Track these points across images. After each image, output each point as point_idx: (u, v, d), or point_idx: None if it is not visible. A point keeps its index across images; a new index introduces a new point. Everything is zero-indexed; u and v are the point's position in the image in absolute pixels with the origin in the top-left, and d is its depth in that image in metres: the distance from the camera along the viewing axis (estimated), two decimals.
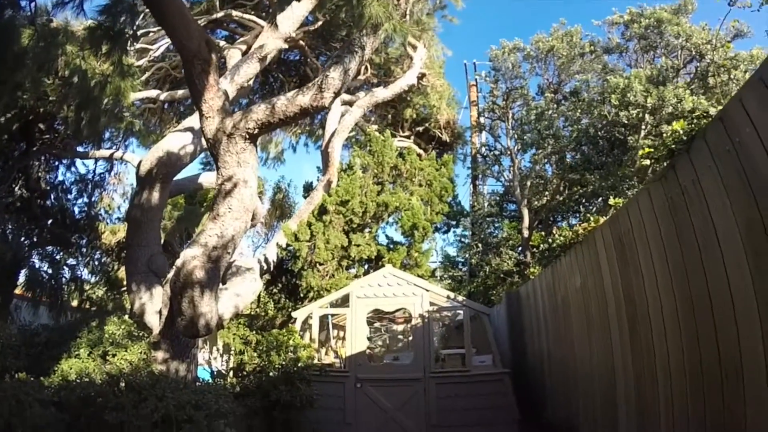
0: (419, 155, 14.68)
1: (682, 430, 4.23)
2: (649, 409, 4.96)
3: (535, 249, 16.44)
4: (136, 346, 8.57)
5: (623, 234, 5.53)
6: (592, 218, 7.76)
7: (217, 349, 14.21)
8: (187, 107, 15.27)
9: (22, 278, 13.35)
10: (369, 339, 11.65)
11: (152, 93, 13.56)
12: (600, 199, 15.18)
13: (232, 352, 12.82)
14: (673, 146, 4.38)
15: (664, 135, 7.08)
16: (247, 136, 6.69)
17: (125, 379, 6.78)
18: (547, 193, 18.16)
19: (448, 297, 10.68)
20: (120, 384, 6.71)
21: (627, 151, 14.77)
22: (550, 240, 9.00)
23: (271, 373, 9.57)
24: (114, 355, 8.22)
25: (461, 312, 10.90)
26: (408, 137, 18.11)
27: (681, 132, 4.29)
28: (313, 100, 6.66)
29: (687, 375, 4.15)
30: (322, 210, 12.88)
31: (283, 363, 9.63)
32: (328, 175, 13.89)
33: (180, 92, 13.77)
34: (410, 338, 13.20)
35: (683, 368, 4.21)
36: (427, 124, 18.34)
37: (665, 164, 4.63)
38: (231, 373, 11.82)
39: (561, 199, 17.61)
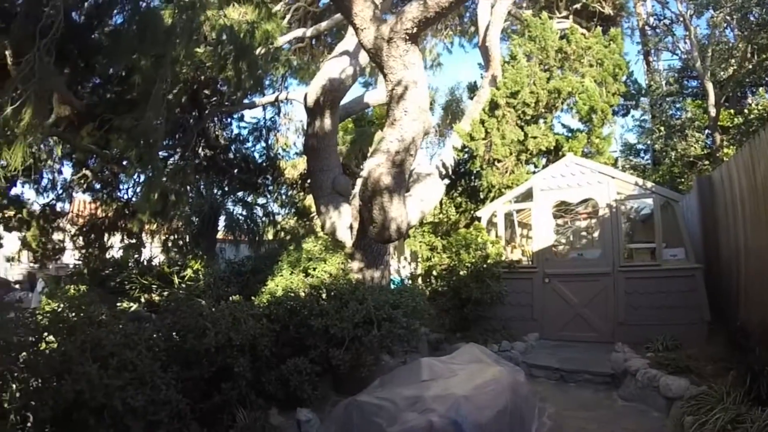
0: (583, 34, 13.60)
1: None
2: None
3: (725, 128, 14.83)
4: (334, 257, 9.21)
5: None
6: None
7: (405, 258, 14.86)
8: (333, 37, 15.51)
9: (221, 224, 14.81)
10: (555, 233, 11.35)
11: (298, 32, 13.89)
12: None
13: (419, 259, 13.36)
14: None
15: None
16: (407, 37, 6.61)
17: (326, 288, 7.37)
18: (732, 61, 15.41)
19: (635, 184, 9.81)
20: (322, 293, 7.33)
21: None
22: (745, 112, 7.89)
23: (461, 272, 9.82)
24: (314, 269, 8.91)
25: (648, 202, 10.19)
26: (566, 17, 16.79)
27: None
28: None
29: None
30: (493, 105, 12.43)
31: (473, 261, 9.82)
32: (492, 69, 13.43)
33: (324, 24, 13.98)
34: (595, 234, 12.80)
35: None
36: (584, 0, 16.83)
37: None
38: (419, 280, 12.39)
39: (750, 67, 14.87)
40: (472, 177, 13.41)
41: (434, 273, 11.11)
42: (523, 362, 8.08)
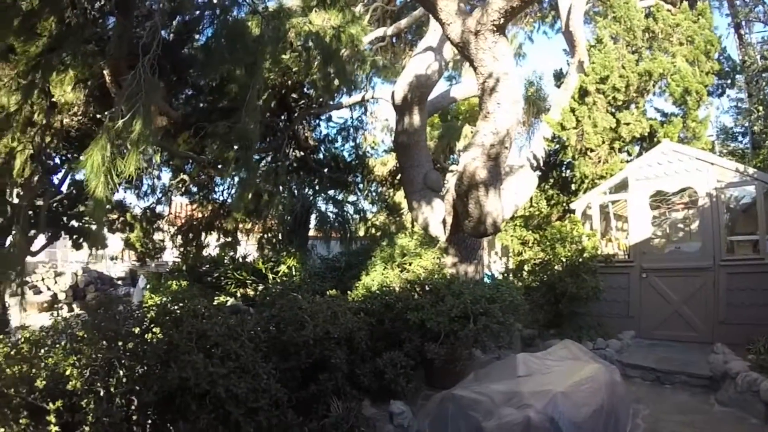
0: (669, 11, 12.89)
1: None
2: None
3: None
4: (428, 252, 9.22)
5: None
6: None
7: (496, 253, 14.67)
8: (413, 34, 15.56)
9: (313, 221, 15.12)
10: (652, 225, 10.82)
11: (379, 32, 13.99)
12: None
13: (510, 254, 13.13)
14: None
15: None
16: (494, 29, 6.46)
17: (422, 283, 7.38)
18: None
19: (737, 170, 9.15)
20: (417, 288, 7.34)
21: None
22: None
23: (556, 267, 9.57)
24: (410, 264, 8.95)
25: (749, 190, 9.48)
26: None
27: None
28: None
29: None
30: (582, 92, 11.97)
31: (569, 255, 9.54)
32: (577, 55, 12.92)
33: (403, 22, 13.98)
34: (693, 225, 12.08)
35: None
36: None
37: None
38: (510, 275, 12.17)
39: None
40: (564, 168, 13.01)
41: (526, 268, 10.89)
42: (617, 361, 7.73)
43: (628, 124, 11.41)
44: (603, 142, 11.51)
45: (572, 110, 12.01)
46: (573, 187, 12.04)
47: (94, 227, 12.60)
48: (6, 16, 6.11)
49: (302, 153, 15.61)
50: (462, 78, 14.68)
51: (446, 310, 6.41)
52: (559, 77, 14.89)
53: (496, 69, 6.59)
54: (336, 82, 12.08)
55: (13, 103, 7.93)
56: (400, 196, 17.38)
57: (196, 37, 10.12)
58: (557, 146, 12.79)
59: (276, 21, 9.20)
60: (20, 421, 4.03)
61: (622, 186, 10.20)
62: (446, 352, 6.34)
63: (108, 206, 11.63)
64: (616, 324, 9.37)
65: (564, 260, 9.52)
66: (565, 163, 12.76)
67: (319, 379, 5.44)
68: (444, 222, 9.02)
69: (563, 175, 12.92)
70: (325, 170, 15.59)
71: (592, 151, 11.65)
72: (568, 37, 13.50)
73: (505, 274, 11.13)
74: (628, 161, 11.43)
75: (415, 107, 9.93)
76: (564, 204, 12.29)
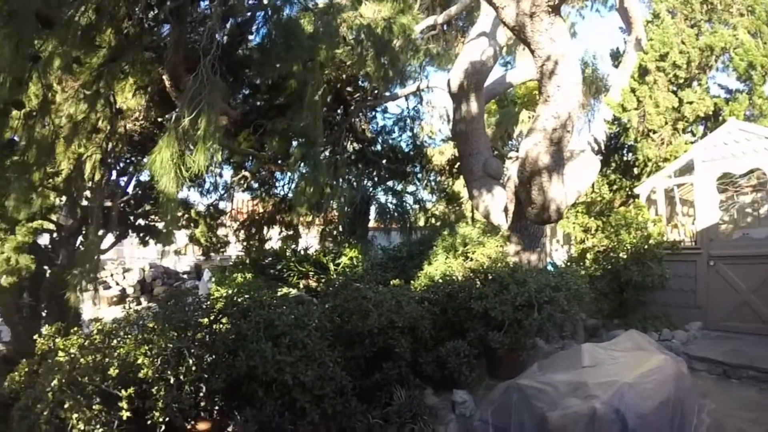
0: None
1: None
2: None
3: None
4: (491, 241, 9.14)
5: None
6: None
7: (557, 241, 14.42)
8: (465, 20, 15.36)
9: (372, 213, 15.24)
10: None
11: (429, 20, 13.89)
12: None
13: (572, 242, 12.87)
14: None
15: None
16: (549, 9, 6.31)
17: (485, 272, 7.32)
18: None
19: None
20: (480, 276, 7.28)
21: None
22: None
23: (620, 254, 9.30)
24: (473, 252, 8.90)
25: None
26: None
27: None
28: None
29: None
30: (642, 71, 11.53)
31: (634, 242, 9.26)
32: (634, 32, 12.37)
33: (453, 9, 13.78)
34: (762, 209, 11.55)
35: None
36: None
37: None
38: (572, 264, 11.91)
39: None
40: (626, 151, 12.59)
41: (588, 256, 10.64)
42: (683, 353, 7.46)
43: (691, 102, 10.93)
44: (666, 123, 11.06)
45: (632, 90, 11.57)
46: (636, 171, 11.67)
47: (160, 224, 13.24)
48: (66, 31, 6.40)
49: (360, 145, 15.76)
50: (517, 62, 14.48)
51: (510, 299, 6.32)
52: (616, 56, 14.37)
53: (554, 51, 6.45)
54: (390, 73, 12.09)
55: (80, 112, 8.33)
56: (459, 185, 17.34)
57: (249, 38, 10.39)
58: (618, 128, 12.31)
59: (327, 16, 9.35)
60: (93, 407, 4.26)
61: (687, 169, 9.79)
62: (510, 342, 6.28)
63: (172, 204, 12.17)
64: (682, 314, 9.06)
65: (629, 247, 9.24)
66: (626, 146, 12.32)
67: (383, 368, 5.47)
68: (506, 210, 8.92)
69: (625, 158, 12.49)
70: (384, 161, 15.69)
71: (654, 132, 11.23)
72: (623, 13, 12.98)
73: (568, 263, 10.86)
74: (692, 142, 10.99)
75: (471, 94, 9.85)
76: (627, 189, 11.89)
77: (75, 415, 4.17)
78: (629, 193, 11.59)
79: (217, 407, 4.81)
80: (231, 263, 13.20)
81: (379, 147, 16.37)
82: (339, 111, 14.85)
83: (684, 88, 11.15)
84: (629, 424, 4.28)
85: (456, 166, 16.21)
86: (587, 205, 12.41)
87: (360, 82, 14.65)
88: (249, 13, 9.74)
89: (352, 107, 14.74)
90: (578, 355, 5.44)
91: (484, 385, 6.32)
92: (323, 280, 9.71)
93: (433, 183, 17.62)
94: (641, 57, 11.54)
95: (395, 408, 5.14)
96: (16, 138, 7.36)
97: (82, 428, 4.18)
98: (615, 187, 12.27)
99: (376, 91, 14.58)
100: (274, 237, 15.94)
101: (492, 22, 10.04)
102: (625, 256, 9.19)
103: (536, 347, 6.78)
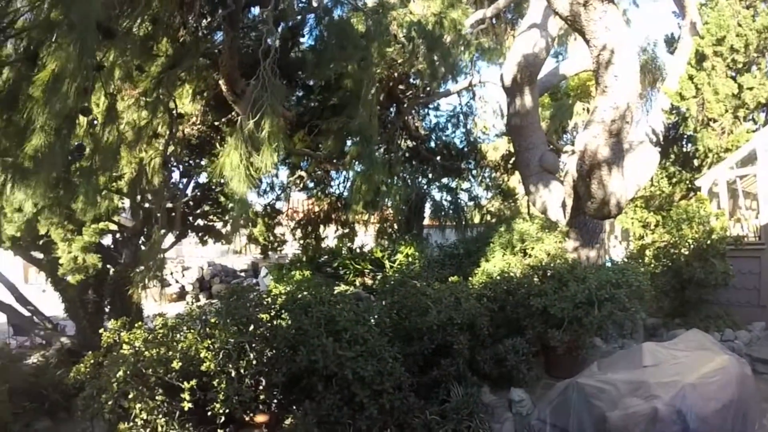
0: None
1: None
2: None
3: None
4: (550, 237, 9.00)
5: None
6: None
7: (615, 237, 14.07)
8: (513, 12, 15.16)
9: (427, 211, 15.25)
10: None
11: (478, 14, 13.78)
12: None
13: (630, 238, 12.53)
14: None
15: None
16: None
17: (544, 268, 7.22)
18: None
19: None
20: (538, 273, 7.19)
21: None
22: None
23: (681, 250, 8.99)
24: (532, 249, 8.78)
25: None
26: None
27: None
28: None
29: None
30: (699, 57, 11.13)
31: (696, 237, 8.94)
32: (688, 16, 11.82)
33: (502, 2, 13.71)
34: None
35: None
36: None
37: None
38: (631, 260, 11.57)
39: None
40: (685, 142, 12.15)
41: (648, 252, 10.32)
42: (746, 354, 7.19)
43: (751, 88, 10.48)
44: (726, 111, 10.63)
45: (690, 77, 11.17)
46: (696, 162, 11.30)
47: (218, 224, 13.64)
48: (125, 42, 6.68)
49: (414, 143, 15.76)
50: (569, 53, 14.20)
51: (570, 296, 6.21)
52: (671, 42, 13.88)
53: (610, 40, 6.33)
54: (442, 68, 12.06)
55: (142, 119, 8.69)
56: (513, 181, 17.14)
57: (301, 40, 10.63)
58: (677, 118, 11.91)
59: (377, 15, 9.41)
60: (156, 398, 4.51)
61: (750, 159, 9.48)
62: (569, 340, 6.19)
63: (242, 203, 12.60)
64: (744, 313, 8.77)
65: (690, 243, 8.92)
66: (686, 136, 11.95)
67: (441, 364, 5.49)
68: (563, 205, 8.76)
69: (684, 149, 12.09)
70: (438, 158, 15.62)
71: (714, 121, 10.81)
72: None
73: (628, 259, 10.56)
74: (754, 131, 10.57)
75: (525, 88, 9.71)
76: (687, 182, 11.51)
77: (138, 405, 4.43)
78: (689, 186, 11.24)
79: (275, 400, 4.99)
80: (287, 261, 13.45)
81: (432, 144, 16.32)
82: (391, 109, 14.86)
83: (743, 73, 10.71)
84: (690, 426, 4.20)
85: (511, 162, 16.04)
86: (646, 199, 12.05)
87: (411, 80, 14.65)
88: (299, 17, 9.92)
89: (405, 105, 14.77)
90: (639, 354, 5.33)
91: (542, 383, 6.29)
92: (379, 278, 9.76)
93: (487, 179, 17.42)
94: (697, 42, 11.14)
95: (452, 405, 5.17)
96: (83, 144, 7.71)
97: (145, 417, 4.43)
98: (674, 180, 11.88)
99: (428, 88, 14.57)
100: (330, 235, 16.12)
101: (542, 12, 9.88)
102: (686, 252, 8.89)
103: (594, 346, 6.66)
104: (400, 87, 14.56)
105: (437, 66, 11.68)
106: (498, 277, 7.62)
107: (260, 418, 5.03)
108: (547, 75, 12.07)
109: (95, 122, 7.40)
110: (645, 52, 20.48)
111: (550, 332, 6.19)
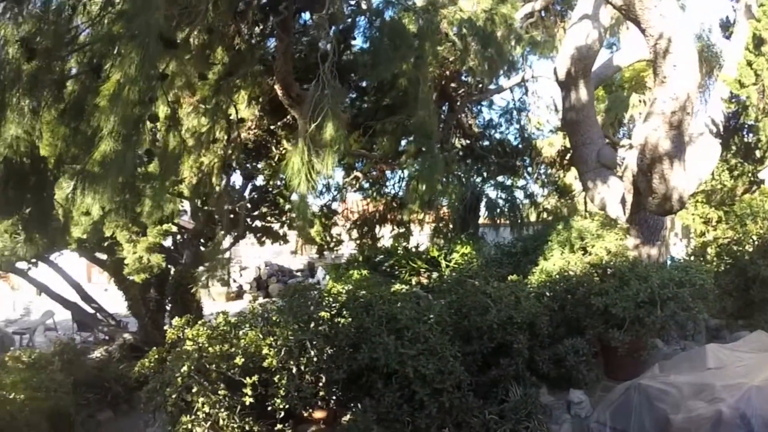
0: None
1: None
2: None
3: None
4: (610, 234, 8.82)
5: None
6: None
7: (675, 234, 13.67)
8: (562, 4, 14.90)
9: (482, 209, 15.05)
10: None
11: (527, 8, 13.61)
12: None
13: (691, 235, 12.14)
14: None
15: None
16: None
17: (604, 266, 7.08)
18: None
19: None
20: (598, 271, 7.06)
21: None
22: None
23: (746, 247, 8.65)
24: (592, 246, 8.63)
25: None
26: None
27: None
28: None
29: None
30: (757, 41, 10.55)
31: (761, 232, 8.61)
32: None
33: None
34: None
35: None
36: None
37: None
38: (693, 258, 11.19)
39: None
40: (746, 132, 11.62)
41: (710, 250, 9.93)
42: None
43: None
44: None
45: (749, 63, 10.58)
46: (758, 153, 10.82)
47: (275, 225, 13.95)
48: (185, 51, 6.95)
49: (468, 141, 15.76)
50: (622, 43, 13.84)
51: (632, 295, 6.06)
52: (726, 27, 13.20)
53: (666, 27, 6.13)
54: (496, 63, 11.97)
55: (202, 125, 9.01)
56: (570, 177, 16.85)
57: (353, 43, 10.74)
58: (737, 107, 11.34)
59: (428, 14, 9.41)
60: (219, 392, 4.66)
61: None
62: (630, 341, 6.01)
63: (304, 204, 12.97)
64: None
65: (755, 239, 8.59)
66: (746, 126, 11.41)
67: (500, 364, 5.47)
68: (623, 201, 8.55)
69: (746, 140, 11.58)
70: (492, 156, 15.47)
71: None
72: None
73: (689, 257, 10.20)
74: None
75: (580, 81, 9.50)
76: (749, 174, 11.03)
77: (201, 399, 4.60)
78: (752, 178, 10.77)
79: (334, 397, 5.11)
80: (344, 261, 13.62)
81: (486, 142, 16.21)
82: (444, 108, 14.87)
83: None
84: (755, 430, 4.05)
85: (567, 158, 15.76)
86: (707, 194, 11.61)
87: (463, 78, 14.60)
88: (350, 20, 10.05)
89: (458, 103, 14.74)
90: (702, 356, 5.19)
91: (601, 385, 6.18)
92: (434, 277, 9.77)
93: (543, 176, 17.20)
94: (753, 25, 10.50)
95: (511, 405, 5.16)
96: (151, 149, 8.06)
97: (207, 411, 4.60)
98: (736, 172, 11.39)
99: (480, 86, 14.50)
100: (385, 235, 16.24)
101: (593, 3, 9.64)
102: (750, 250, 8.53)
103: (656, 348, 6.48)
104: (452, 85, 14.57)
105: (491, 61, 11.62)
106: (557, 276, 7.49)
107: (319, 414, 5.15)
108: (601, 67, 11.76)
109: (154, 129, 7.70)
110: (700, 39, 19.73)
111: (611, 332, 6.03)
